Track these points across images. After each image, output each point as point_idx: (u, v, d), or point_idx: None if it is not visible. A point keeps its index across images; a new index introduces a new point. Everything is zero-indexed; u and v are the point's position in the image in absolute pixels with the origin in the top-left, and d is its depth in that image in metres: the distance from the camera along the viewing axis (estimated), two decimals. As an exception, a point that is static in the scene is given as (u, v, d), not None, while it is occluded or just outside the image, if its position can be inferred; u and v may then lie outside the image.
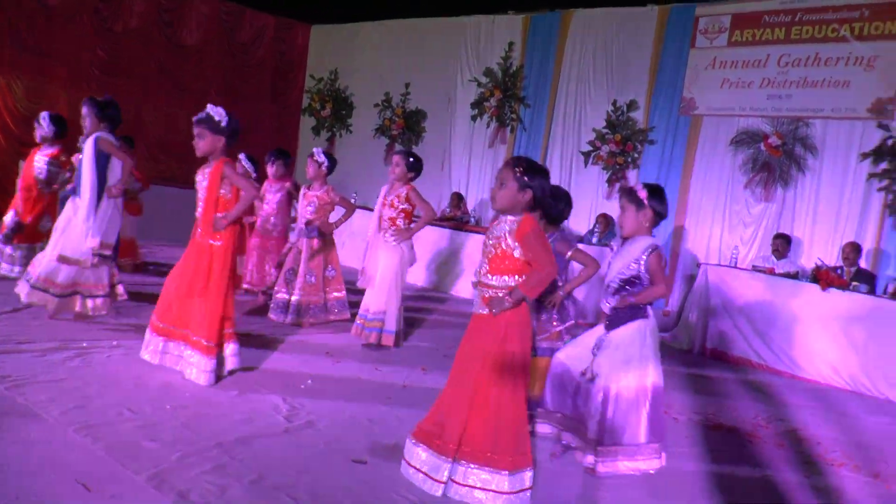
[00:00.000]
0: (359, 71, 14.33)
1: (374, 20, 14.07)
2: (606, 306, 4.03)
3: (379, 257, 6.06)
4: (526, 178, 3.36)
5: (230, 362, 4.71)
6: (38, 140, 6.84)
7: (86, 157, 5.37)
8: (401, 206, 6.06)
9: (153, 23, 12.87)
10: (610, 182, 10.56)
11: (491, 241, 3.43)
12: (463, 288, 9.72)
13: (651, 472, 3.91)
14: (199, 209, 4.68)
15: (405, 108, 13.49)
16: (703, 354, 7.84)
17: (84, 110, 5.45)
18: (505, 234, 3.38)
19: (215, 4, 13.71)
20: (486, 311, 3.41)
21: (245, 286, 7.39)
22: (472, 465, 3.31)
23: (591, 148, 10.74)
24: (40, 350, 4.78)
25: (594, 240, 9.46)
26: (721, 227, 9.60)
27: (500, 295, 3.36)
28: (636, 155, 10.32)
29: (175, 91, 13.10)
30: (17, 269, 6.64)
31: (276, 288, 6.78)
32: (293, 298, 6.61)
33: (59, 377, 4.32)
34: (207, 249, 4.60)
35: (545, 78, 11.56)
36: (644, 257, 3.86)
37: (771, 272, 7.77)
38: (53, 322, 5.50)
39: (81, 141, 5.59)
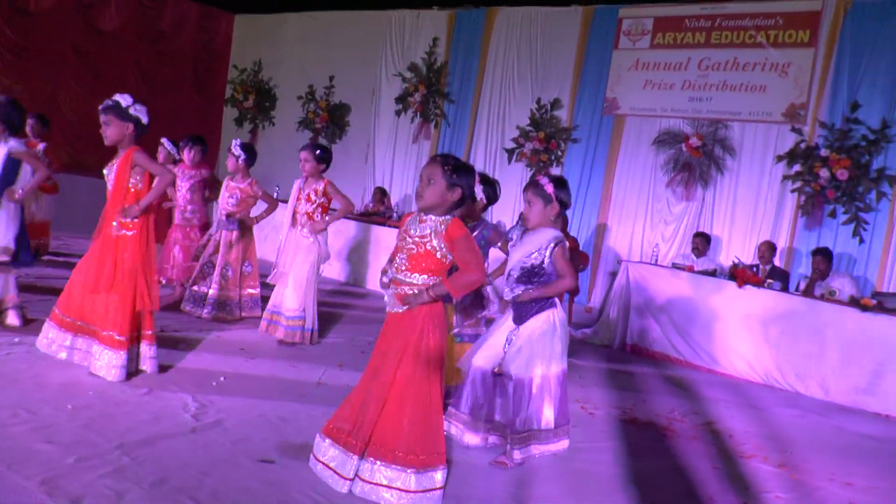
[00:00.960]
0: (283, 62, 14.04)
1: (299, 11, 13.80)
2: (509, 294, 3.97)
3: (293, 253, 5.88)
4: (455, 177, 3.26)
5: (148, 364, 4.48)
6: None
7: None
8: (318, 201, 5.91)
9: (70, 5, 12.30)
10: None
11: (413, 239, 3.30)
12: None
13: (559, 452, 3.90)
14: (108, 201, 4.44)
15: (329, 102, 13.27)
16: (623, 350, 7.90)
17: None
18: (431, 235, 3.26)
19: (135, -11, 13.21)
20: (401, 310, 3.30)
21: (163, 279, 7.11)
22: (378, 463, 3.19)
23: (514, 145, 10.75)
24: (-74, 345, 4.45)
25: (515, 235, 9.44)
26: (643, 225, 9.73)
27: (418, 290, 3.24)
28: (560, 153, 10.38)
29: (90, 77, 12.55)
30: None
31: (192, 280, 6.53)
32: (210, 292, 6.38)
33: (-57, 373, 4.02)
34: (115, 241, 4.36)
35: (470, 74, 11.53)
36: (548, 250, 3.82)
37: (690, 269, 7.89)
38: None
39: None
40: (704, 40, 9.45)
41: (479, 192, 4.36)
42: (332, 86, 13.30)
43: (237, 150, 6.48)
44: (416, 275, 3.27)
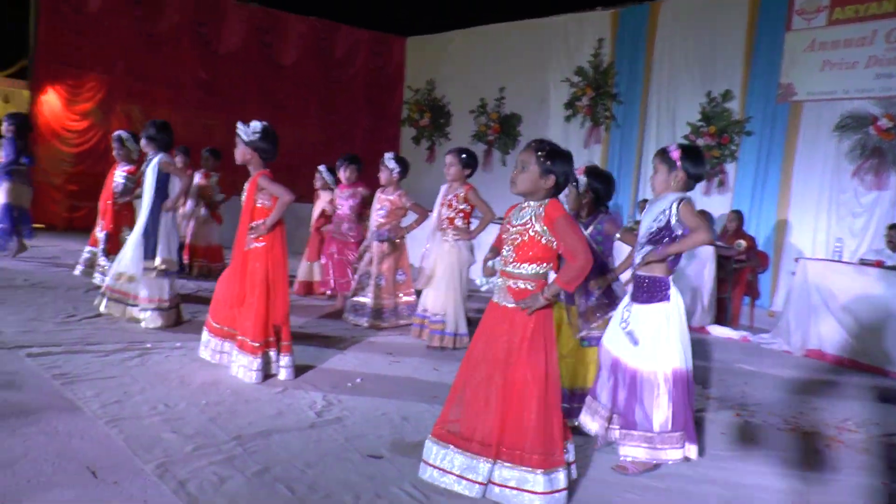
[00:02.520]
0: (454, 79, 14.40)
1: (466, 28, 14.10)
2: (638, 259, 3.77)
3: (437, 257, 5.99)
4: (549, 163, 3.18)
5: (281, 373, 4.74)
6: (116, 158, 7.26)
7: (148, 181, 5.66)
8: (459, 207, 5.98)
9: (252, 43, 13.41)
10: (708, 177, 10.06)
11: (515, 228, 3.26)
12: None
13: (670, 462, 3.63)
14: None
15: (500, 113, 13.43)
16: (803, 355, 7.26)
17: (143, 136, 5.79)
18: (532, 220, 3.20)
19: (312, 22, 14.14)
20: (510, 304, 3.25)
21: (328, 291, 7.54)
22: (507, 465, 3.15)
23: (686, 142, 10.26)
24: (104, 351, 4.97)
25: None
26: (828, 220, 8.95)
27: (532, 296, 3.18)
28: (733, 147, 9.81)
29: (272, 108, 13.56)
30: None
31: (352, 291, 6.84)
32: (367, 301, 6.64)
33: (112, 375, 4.48)
34: (246, 255, 4.70)
35: (636, 73, 11.22)
36: (672, 208, 3.59)
37: (878, 265, 7.12)
38: (131, 326, 5.73)
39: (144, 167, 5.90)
40: (893, 8, 8.52)
41: (582, 182, 4.28)
42: (503, 97, 13.45)
43: (391, 164, 6.67)
44: (525, 265, 3.21)
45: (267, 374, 4.70)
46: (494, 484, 3.17)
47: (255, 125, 4.67)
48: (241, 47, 13.31)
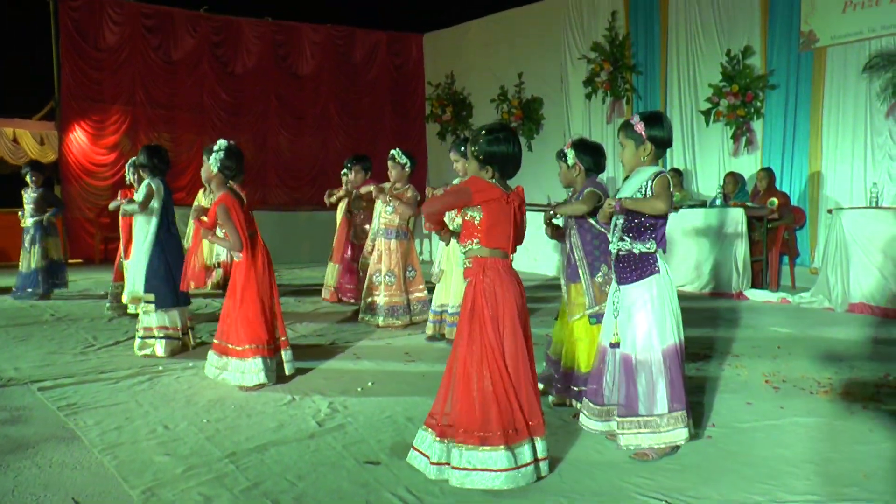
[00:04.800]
0: (473, 70, 14.24)
1: (479, 17, 13.95)
2: (613, 248, 3.55)
3: (445, 250, 5.87)
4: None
5: (269, 377, 4.71)
6: (132, 183, 7.27)
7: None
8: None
9: (269, 59, 13.48)
10: (734, 137, 9.72)
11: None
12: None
13: (679, 444, 3.40)
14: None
15: (521, 99, 13.22)
16: (846, 311, 6.92)
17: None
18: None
19: (326, 30, 14.14)
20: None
21: (346, 298, 7.51)
22: (463, 447, 3.05)
23: (710, 105, 9.93)
24: (116, 378, 4.98)
25: (719, 202, 8.69)
26: (864, 166, 8.52)
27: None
28: (758, 103, 9.43)
29: (293, 119, 13.63)
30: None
31: (364, 292, 6.77)
32: (379, 300, 6.56)
33: (118, 401, 4.46)
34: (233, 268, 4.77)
35: (653, 41, 10.93)
36: (649, 182, 3.38)
37: (918, 207, 6.74)
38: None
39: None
40: (914, -61, 8.07)
41: (570, 155, 4.11)
42: (522, 82, 13.25)
43: (403, 159, 6.57)
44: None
45: (265, 378, 4.66)
46: (453, 467, 3.10)
47: (221, 143, 4.66)
48: (259, 64, 13.39)
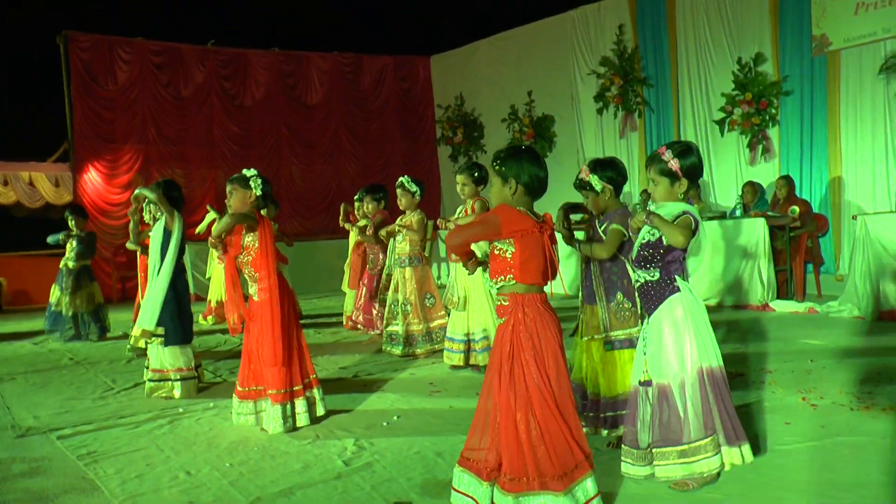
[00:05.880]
0: (482, 90, 14.22)
1: (486, 37, 13.94)
2: (634, 277, 3.43)
3: (460, 276, 5.76)
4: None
5: (300, 419, 4.60)
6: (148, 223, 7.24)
7: (156, 242, 5.57)
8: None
9: (278, 89, 13.52)
10: (751, 146, 9.59)
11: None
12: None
13: (716, 473, 3.24)
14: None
15: (532, 117, 13.15)
16: (877, 319, 6.74)
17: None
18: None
19: (334, 58, 14.18)
20: None
21: (369, 330, 7.45)
22: (520, 494, 2.88)
23: (723, 114, 9.82)
24: (135, 422, 4.89)
25: (738, 213, 8.56)
26: (885, 168, 8.37)
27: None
28: (773, 110, 9.31)
29: (303, 148, 13.65)
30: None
31: (384, 322, 6.68)
32: (398, 329, 6.47)
33: (139, 447, 4.37)
34: (255, 306, 4.62)
35: (662, 53, 10.86)
36: (676, 219, 3.24)
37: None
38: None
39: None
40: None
41: (596, 180, 3.92)
42: (532, 100, 13.19)
43: (413, 187, 6.50)
44: None
45: (296, 423, 4.55)
46: None
47: (251, 171, 4.62)
48: (267, 95, 13.43)
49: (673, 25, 10.62)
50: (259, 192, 4.58)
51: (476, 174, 5.77)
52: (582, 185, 3.94)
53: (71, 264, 7.98)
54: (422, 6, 13.93)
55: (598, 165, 4.01)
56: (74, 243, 7.98)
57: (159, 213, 5.63)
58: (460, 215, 5.78)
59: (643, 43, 11.12)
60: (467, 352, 5.88)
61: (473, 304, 5.77)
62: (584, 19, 12.01)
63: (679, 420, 3.19)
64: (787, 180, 8.60)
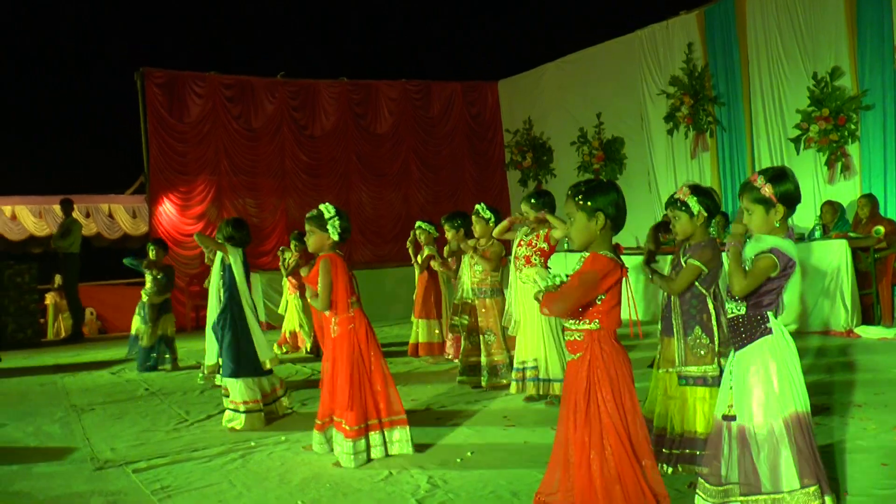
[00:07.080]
0: (550, 114, 14.12)
1: (553, 60, 13.87)
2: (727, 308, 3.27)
3: (521, 300, 5.67)
4: None
5: (374, 452, 4.56)
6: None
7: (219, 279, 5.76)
8: (539, 245, 5.65)
9: (347, 119, 13.70)
10: (829, 164, 9.24)
11: None
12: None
13: None
14: None
15: (601, 139, 12.98)
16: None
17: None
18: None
19: (402, 86, 14.31)
20: None
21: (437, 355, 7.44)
22: None
23: (799, 132, 9.49)
24: (208, 456, 4.92)
25: (818, 234, 8.23)
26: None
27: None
28: (853, 126, 8.95)
29: (374, 176, 13.77)
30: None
31: (465, 352, 6.62)
32: (482, 360, 6.39)
33: (211, 482, 4.39)
34: (332, 342, 4.64)
35: (733, 70, 10.58)
36: (755, 258, 3.07)
37: None
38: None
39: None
40: None
41: (692, 203, 3.84)
42: (601, 123, 13.02)
43: (487, 213, 6.44)
44: None
45: (369, 457, 4.51)
46: None
47: (329, 207, 4.59)
48: (337, 124, 13.62)
49: (744, 41, 10.34)
50: (336, 238, 4.58)
51: (534, 202, 5.69)
52: (676, 205, 3.86)
53: (152, 298, 8.18)
54: (488, 31, 13.99)
55: (699, 191, 3.92)
56: (158, 276, 8.17)
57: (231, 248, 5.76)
58: (532, 236, 5.72)
59: (713, 60, 10.87)
60: (522, 380, 5.78)
61: (527, 331, 5.67)
62: (653, 38, 11.82)
63: (769, 467, 3.00)
64: (869, 199, 8.24)
